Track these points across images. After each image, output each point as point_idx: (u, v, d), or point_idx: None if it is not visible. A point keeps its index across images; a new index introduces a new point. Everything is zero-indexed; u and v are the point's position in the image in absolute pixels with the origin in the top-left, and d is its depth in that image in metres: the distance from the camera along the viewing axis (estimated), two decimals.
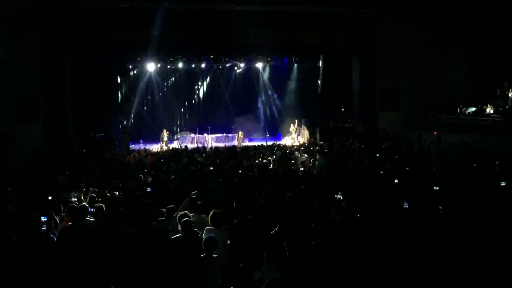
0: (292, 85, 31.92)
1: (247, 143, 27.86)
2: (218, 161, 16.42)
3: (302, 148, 20.61)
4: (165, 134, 26.92)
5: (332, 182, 11.31)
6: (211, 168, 14.52)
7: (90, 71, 25.05)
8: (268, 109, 32.72)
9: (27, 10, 20.94)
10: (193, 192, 9.22)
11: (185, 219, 7.10)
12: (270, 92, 32.40)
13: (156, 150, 23.19)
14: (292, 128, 29.02)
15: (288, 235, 6.64)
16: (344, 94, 28.74)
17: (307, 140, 26.32)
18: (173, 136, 29.63)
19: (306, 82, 30.76)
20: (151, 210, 8.42)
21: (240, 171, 13.74)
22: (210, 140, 27.75)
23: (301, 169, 14.46)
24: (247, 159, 16.75)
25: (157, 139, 27.72)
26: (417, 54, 25.18)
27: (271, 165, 14.95)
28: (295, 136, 28.42)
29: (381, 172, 13.13)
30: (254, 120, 32.24)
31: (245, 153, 18.75)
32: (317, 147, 20.71)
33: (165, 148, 25.14)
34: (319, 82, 29.41)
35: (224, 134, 29.49)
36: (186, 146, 23.04)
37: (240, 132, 28.24)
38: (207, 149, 21.11)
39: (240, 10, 21.08)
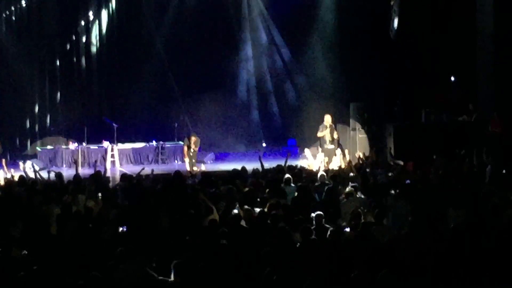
0: (325, 21, 23.47)
1: (212, 165, 21.32)
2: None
3: (352, 175, 14.11)
4: None
5: (428, 264, 8.10)
6: (122, 229, 10.73)
7: None
8: (264, 80, 24.59)
9: None
10: None
11: None
12: (269, 38, 24.56)
13: None
14: (325, 126, 20.38)
15: None
16: (454, 42, 22.02)
17: (362, 157, 18.05)
18: (21, 149, 23.29)
19: (361, 13, 22.13)
20: None
21: (193, 234, 9.80)
22: (118, 158, 21.33)
23: (347, 229, 10.07)
24: (215, 203, 11.52)
25: None
26: None
27: (274, 219, 10.59)
28: (332, 148, 19.90)
29: None
30: (229, 106, 24.15)
31: (206, 189, 12.63)
32: (389, 174, 14.45)
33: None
34: (393, 13, 21.03)
35: (154, 144, 22.40)
36: (59, 174, 15.22)
37: (193, 138, 19.99)
38: (110, 181, 15.27)
39: None
